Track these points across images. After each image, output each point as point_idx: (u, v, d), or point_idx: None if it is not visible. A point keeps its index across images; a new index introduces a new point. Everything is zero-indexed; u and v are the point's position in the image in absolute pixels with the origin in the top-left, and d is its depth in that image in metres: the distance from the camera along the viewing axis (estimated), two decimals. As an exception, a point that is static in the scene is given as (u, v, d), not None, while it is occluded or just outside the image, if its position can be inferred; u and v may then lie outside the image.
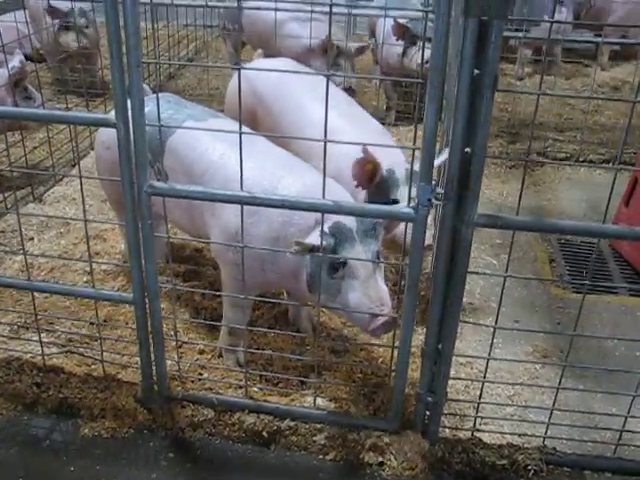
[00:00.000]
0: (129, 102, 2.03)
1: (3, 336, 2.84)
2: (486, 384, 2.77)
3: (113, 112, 2.05)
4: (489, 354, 2.34)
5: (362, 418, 2.48)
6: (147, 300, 2.35)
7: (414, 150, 2.07)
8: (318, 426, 2.45)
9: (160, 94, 3.03)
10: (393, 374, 2.38)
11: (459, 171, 1.99)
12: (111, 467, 2.36)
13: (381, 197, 2.71)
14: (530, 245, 3.91)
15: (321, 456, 2.42)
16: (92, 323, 2.95)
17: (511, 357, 2.88)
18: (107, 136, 2.96)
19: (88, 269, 3.30)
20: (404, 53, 5.14)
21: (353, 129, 2.95)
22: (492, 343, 2.33)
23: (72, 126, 4.22)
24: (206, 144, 2.65)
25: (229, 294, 2.60)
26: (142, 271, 2.30)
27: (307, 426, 2.46)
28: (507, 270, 2.18)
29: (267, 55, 4.23)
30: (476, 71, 1.87)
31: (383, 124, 5.18)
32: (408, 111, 5.59)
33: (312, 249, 2.26)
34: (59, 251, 3.47)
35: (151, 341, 2.43)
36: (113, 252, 3.49)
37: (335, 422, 2.46)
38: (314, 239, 2.28)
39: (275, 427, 2.46)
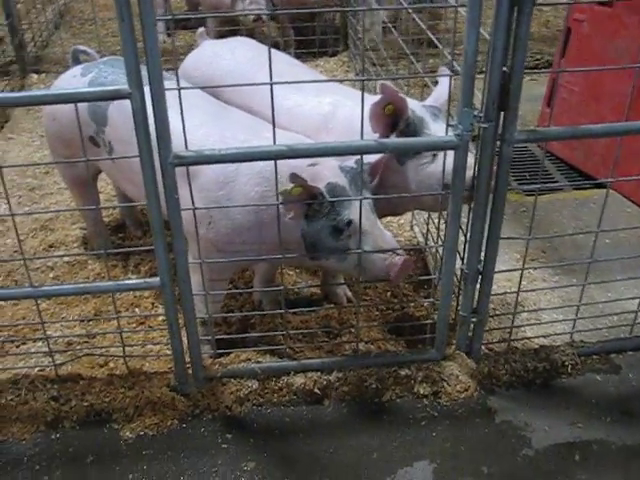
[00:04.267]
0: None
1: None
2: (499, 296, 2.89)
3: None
4: (522, 266, 2.44)
5: (408, 354, 2.49)
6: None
7: (451, 77, 2.04)
8: (367, 371, 2.43)
9: (105, 58, 2.76)
10: (437, 303, 2.41)
11: (498, 91, 1.99)
12: (172, 463, 2.20)
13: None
14: (472, 158, 4.03)
15: (377, 399, 2.42)
16: (82, 320, 2.70)
17: (506, 267, 2.99)
18: (53, 107, 2.66)
19: (49, 264, 3.01)
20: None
21: (351, 101, 2.58)
22: (526, 254, 2.41)
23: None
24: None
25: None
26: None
27: (355, 373, 2.43)
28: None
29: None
30: (514, -13, 1.85)
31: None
32: (303, 46, 5.46)
33: (313, 196, 2.10)
34: (8, 252, 3.09)
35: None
36: (69, 241, 3.17)
37: (382, 363, 2.45)
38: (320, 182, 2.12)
39: (325, 382, 2.41)
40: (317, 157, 2.09)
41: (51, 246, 3.12)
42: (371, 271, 2.24)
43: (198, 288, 2.27)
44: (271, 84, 1.91)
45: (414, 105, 2.38)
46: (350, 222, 2.14)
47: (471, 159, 2.13)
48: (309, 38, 5.25)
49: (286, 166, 2.07)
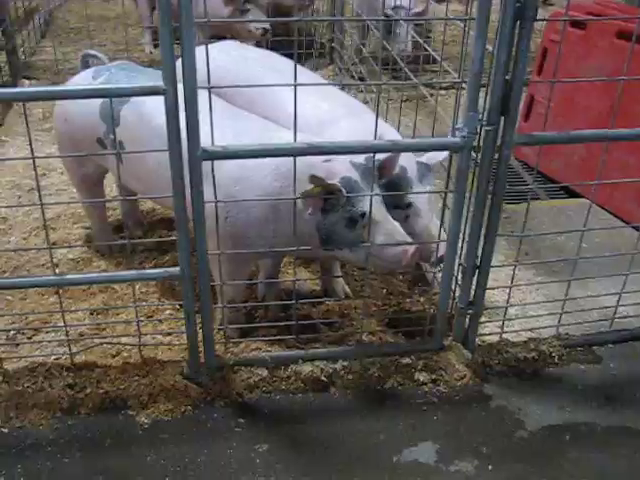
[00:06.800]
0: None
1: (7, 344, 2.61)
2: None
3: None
4: (515, 260, 2.62)
5: (409, 344, 2.64)
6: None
7: (460, 84, 2.22)
8: (370, 360, 2.57)
9: (115, 62, 2.87)
10: (434, 298, 2.57)
11: (500, 98, 2.18)
12: (188, 447, 2.30)
13: (392, 198, 2.46)
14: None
15: (379, 387, 2.56)
16: (92, 313, 2.79)
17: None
18: (64, 108, 2.77)
19: (55, 261, 3.07)
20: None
21: (350, 117, 2.74)
22: (519, 250, 2.60)
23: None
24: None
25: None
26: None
27: (359, 362, 2.57)
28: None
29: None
30: (517, 4, 2.04)
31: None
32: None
33: (330, 192, 2.25)
34: (13, 249, 3.15)
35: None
36: (72, 239, 3.25)
37: (384, 353, 2.60)
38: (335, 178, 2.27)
39: (331, 370, 2.54)
40: (334, 154, 2.24)
41: (54, 244, 3.18)
42: (383, 259, 2.37)
43: (226, 278, 2.43)
44: (295, 85, 2.06)
45: (409, 164, 2.55)
46: (364, 213, 2.30)
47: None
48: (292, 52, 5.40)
49: (303, 162, 2.22)
